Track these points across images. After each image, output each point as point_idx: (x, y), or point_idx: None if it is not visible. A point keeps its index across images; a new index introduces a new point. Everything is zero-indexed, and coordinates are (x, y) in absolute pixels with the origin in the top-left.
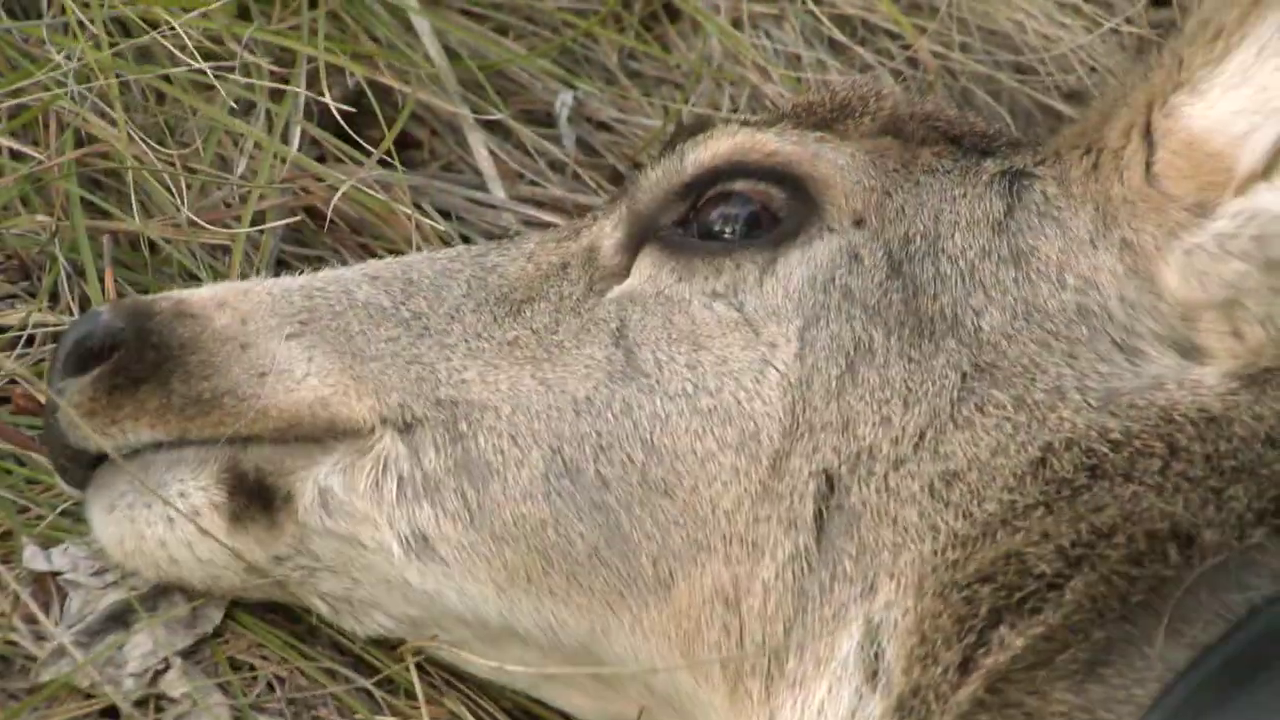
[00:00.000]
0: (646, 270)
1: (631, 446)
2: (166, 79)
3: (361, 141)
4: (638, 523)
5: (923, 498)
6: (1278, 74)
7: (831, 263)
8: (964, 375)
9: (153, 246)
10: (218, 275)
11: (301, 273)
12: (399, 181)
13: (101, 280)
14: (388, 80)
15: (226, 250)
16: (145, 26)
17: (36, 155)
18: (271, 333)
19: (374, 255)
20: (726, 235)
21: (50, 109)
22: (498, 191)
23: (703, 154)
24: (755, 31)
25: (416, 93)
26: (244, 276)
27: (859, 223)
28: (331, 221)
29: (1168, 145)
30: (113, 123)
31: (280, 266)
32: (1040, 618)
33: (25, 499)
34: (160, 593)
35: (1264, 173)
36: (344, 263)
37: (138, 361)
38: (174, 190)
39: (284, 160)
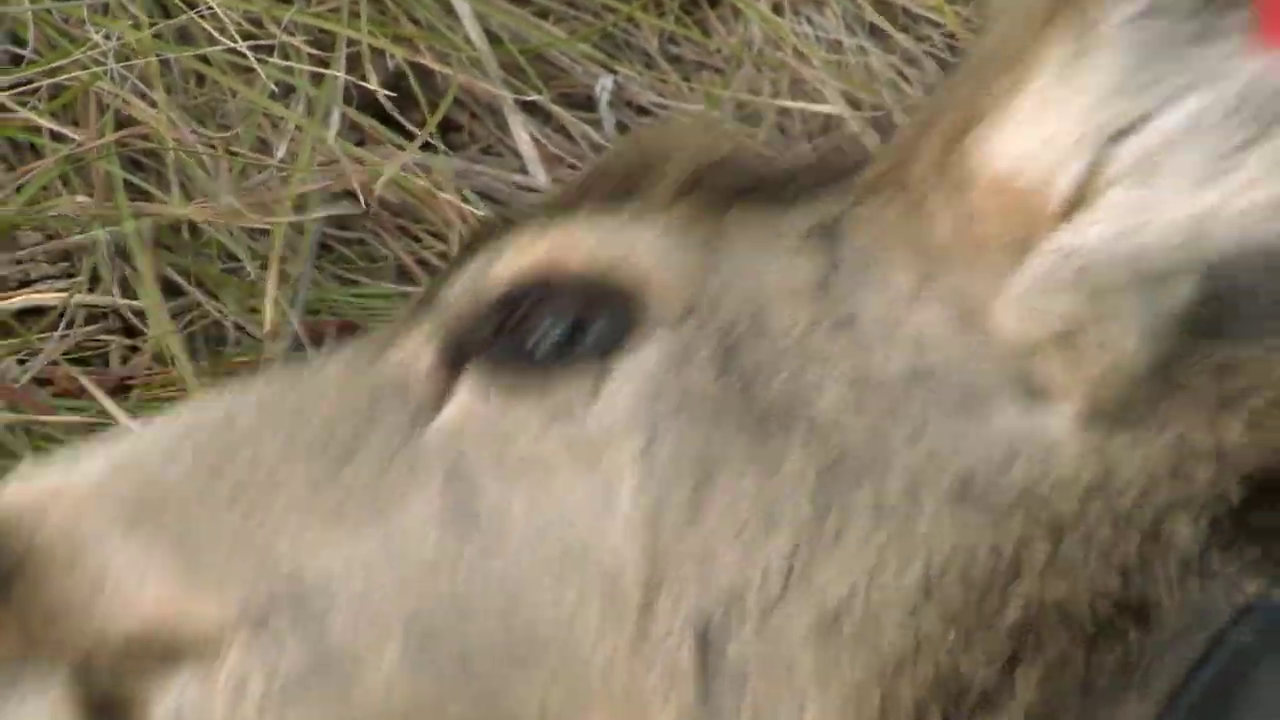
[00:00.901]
0: (469, 396)
1: (489, 606)
2: (205, 60)
3: (404, 123)
4: (512, 688)
5: (812, 642)
6: (1079, 98)
7: (661, 366)
8: (817, 477)
9: (193, 228)
10: (257, 257)
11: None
12: (441, 166)
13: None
14: (428, 63)
15: (267, 233)
16: (184, 7)
17: (76, 136)
18: (106, 533)
19: (415, 239)
20: (552, 350)
21: (90, 89)
22: (539, 175)
23: (512, 266)
24: (796, 18)
25: (457, 75)
26: (284, 261)
27: (687, 312)
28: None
29: (975, 185)
30: (153, 104)
31: (323, 250)
32: None
33: None
34: None
35: (1077, 204)
36: (385, 247)
37: None
38: (214, 173)
39: (323, 143)
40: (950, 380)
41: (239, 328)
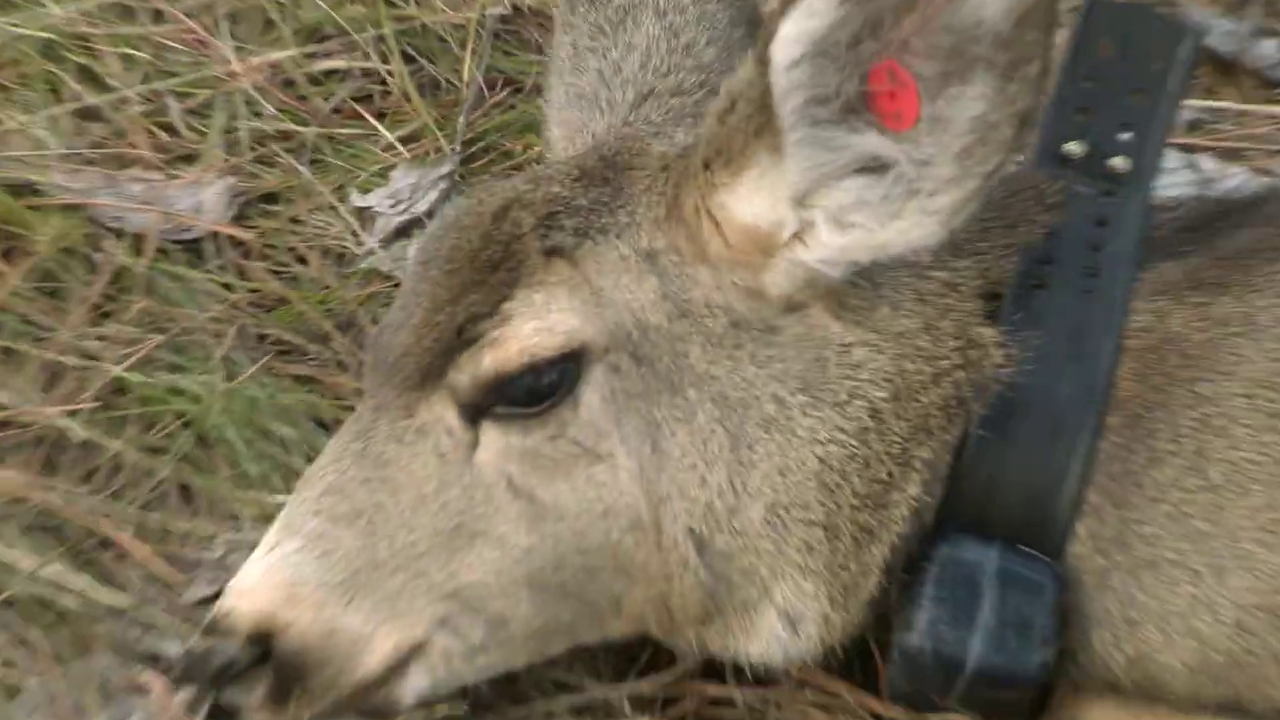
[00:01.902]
0: (496, 436)
1: (569, 554)
2: None
3: None
4: (592, 590)
5: (766, 530)
6: (782, 180)
7: (605, 379)
8: (719, 414)
9: (423, 25)
10: (458, 39)
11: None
12: None
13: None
14: None
15: (463, 27)
16: None
17: None
18: (340, 613)
19: (546, 30)
20: (540, 398)
21: None
22: None
23: (501, 355)
24: None
25: None
26: (474, 40)
27: (607, 342)
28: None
29: (729, 229)
30: None
31: (495, 36)
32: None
33: (351, 165)
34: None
35: (799, 237)
36: (530, 35)
37: (284, 677)
38: None
39: None
40: (755, 322)
41: (448, 81)
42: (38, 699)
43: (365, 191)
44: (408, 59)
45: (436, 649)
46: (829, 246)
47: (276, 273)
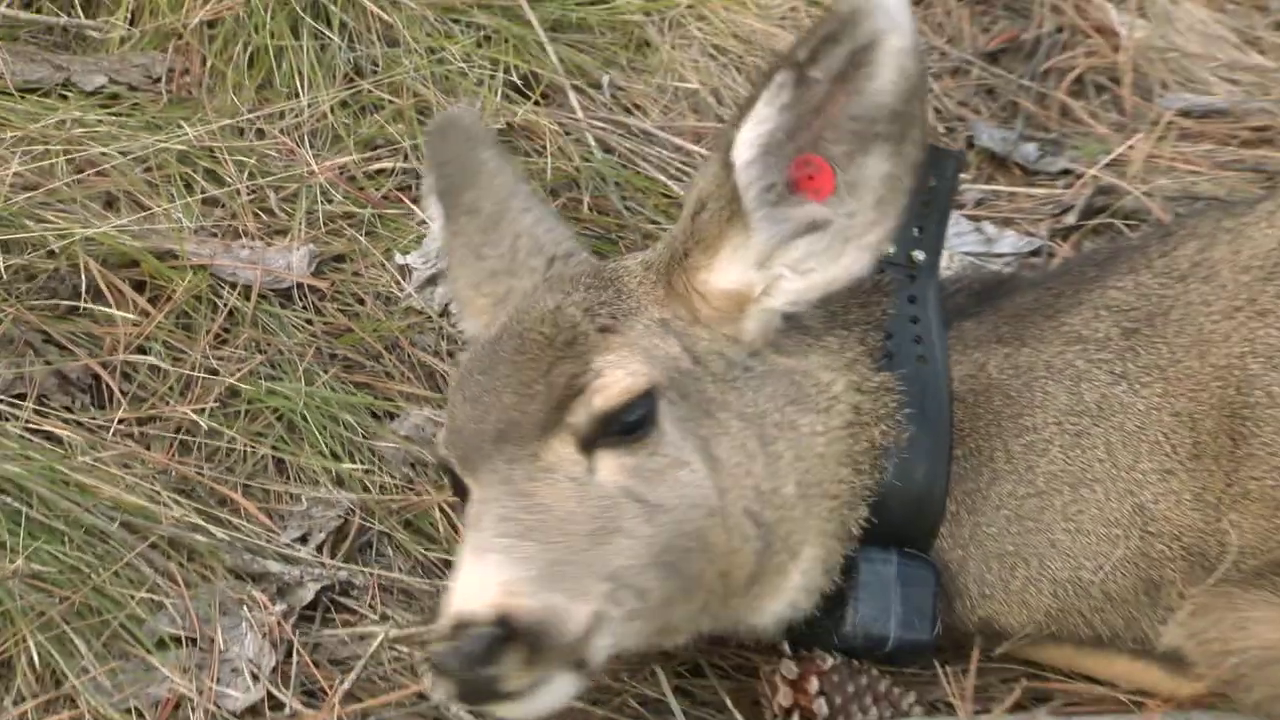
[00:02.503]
0: (609, 460)
1: (676, 540)
2: None
3: None
4: (692, 567)
5: (798, 501)
6: (751, 250)
7: (671, 409)
8: (744, 430)
9: None
10: None
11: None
12: None
13: None
14: None
15: None
16: None
17: None
18: (548, 595)
19: None
20: (635, 428)
21: None
22: None
23: (606, 396)
24: None
25: None
26: None
27: (665, 384)
28: None
29: (712, 297)
30: None
31: None
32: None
33: (395, 235)
34: None
35: (766, 291)
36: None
37: (530, 643)
38: None
39: None
40: (740, 362)
41: None
42: (174, 614)
43: (405, 253)
44: None
45: (610, 615)
46: (792, 291)
47: (343, 311)
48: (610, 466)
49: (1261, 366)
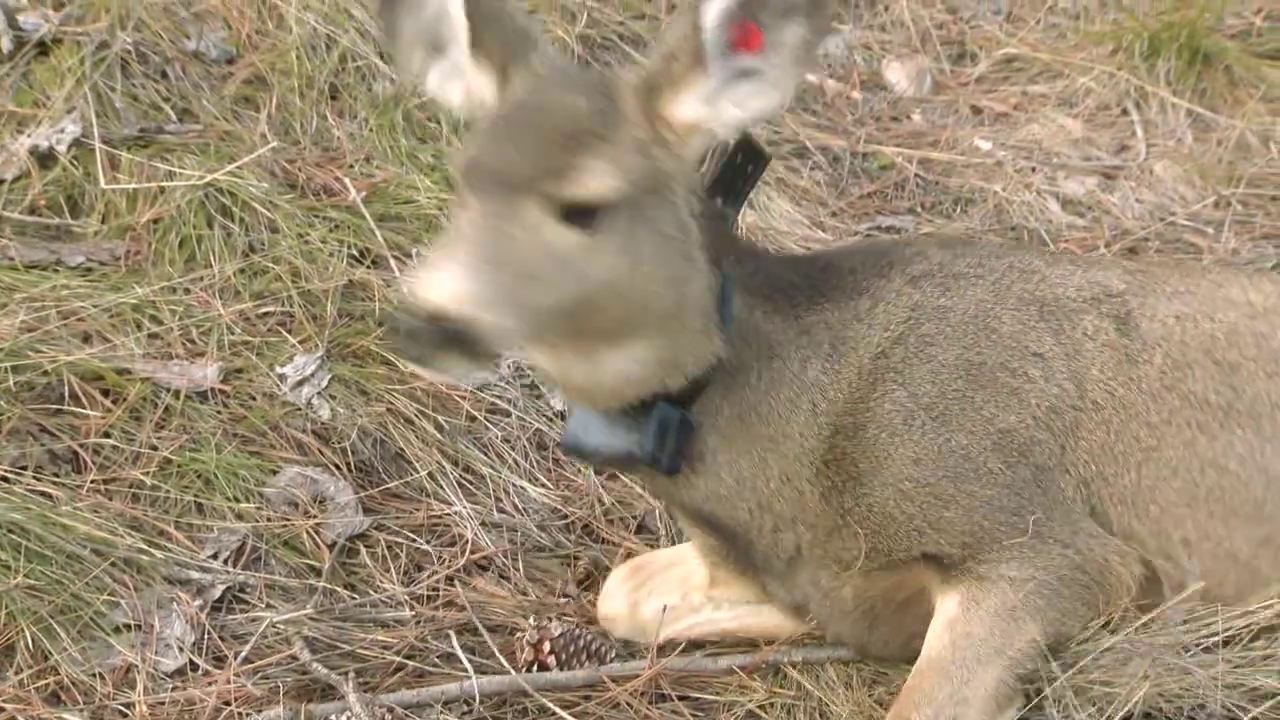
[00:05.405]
0: (565, 231)
1: (586, 303)
2: None
3: None
4: (586, 321)
5: (683, 280)
6: (706, 89)
7: (623, 212)
8: (663, 241)
9: None
10: None
11: None
12: None
13: None
14: None
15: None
16: None
17: None
18: (491, 313)
19: None
20: (593, 215)
21: None
22: None
23: (583, 190)
24: None
25: None
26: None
27: (630, 191)
28: None
29: (675, 124)
30: None
31: None
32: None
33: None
34: None
35: (712, 120)
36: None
37: (461, 343)
38: None
39: None
40: (685, 182)
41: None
42: (126, 609)
43: (283, 367)
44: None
45: (518, 332)
46: (733, 120)
47: (241, 405)
48: (565, 236)
49: None
